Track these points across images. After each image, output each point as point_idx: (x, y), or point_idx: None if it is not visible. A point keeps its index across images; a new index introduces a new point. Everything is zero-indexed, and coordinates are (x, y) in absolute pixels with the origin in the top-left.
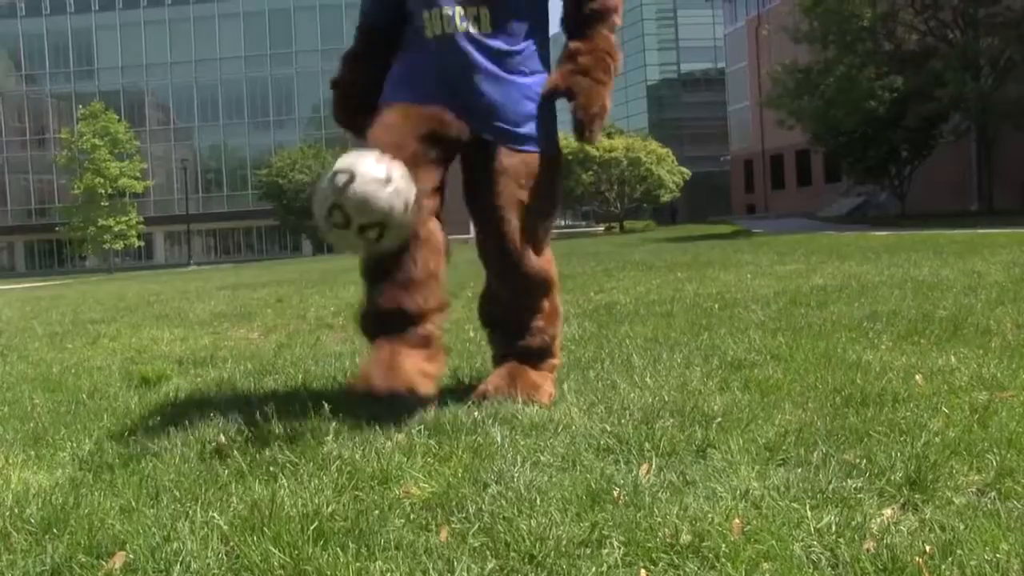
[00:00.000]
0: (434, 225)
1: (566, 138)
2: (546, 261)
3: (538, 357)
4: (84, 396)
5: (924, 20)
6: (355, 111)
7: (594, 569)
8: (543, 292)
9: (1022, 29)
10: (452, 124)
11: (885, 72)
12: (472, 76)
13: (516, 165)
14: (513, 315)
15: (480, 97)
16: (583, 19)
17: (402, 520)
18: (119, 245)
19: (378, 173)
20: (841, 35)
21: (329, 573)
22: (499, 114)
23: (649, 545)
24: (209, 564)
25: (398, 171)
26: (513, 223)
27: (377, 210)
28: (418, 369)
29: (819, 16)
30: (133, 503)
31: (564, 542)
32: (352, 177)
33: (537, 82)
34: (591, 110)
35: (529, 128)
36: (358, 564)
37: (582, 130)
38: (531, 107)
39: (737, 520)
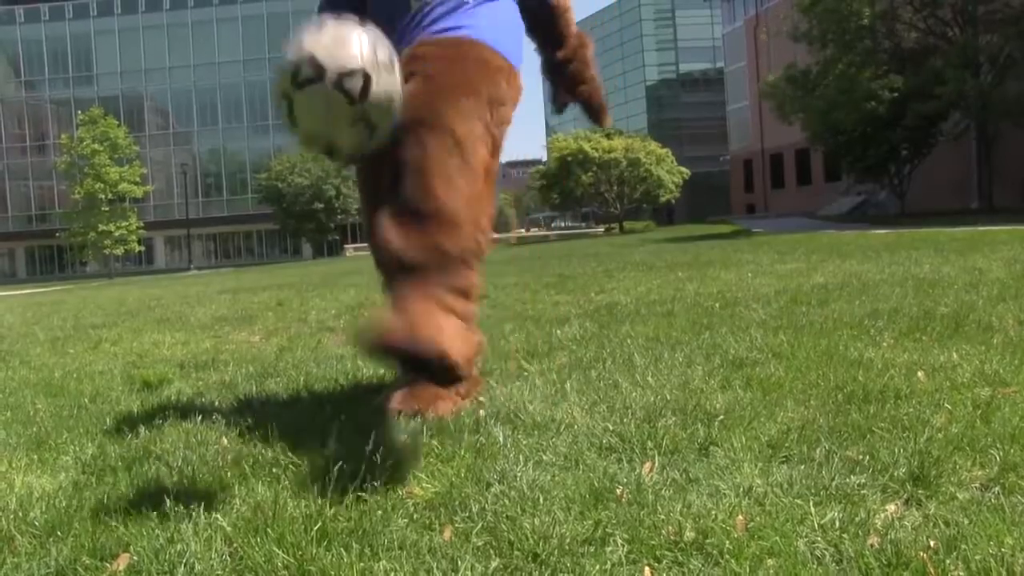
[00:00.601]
0: None
1: (564, 139)
2: (468, 204)
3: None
4: (86, 400)
5: (923, 18)
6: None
7: (598, 567)
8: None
9: (1021, 26)
10: None
11: (885, 71)
12: None
13: (430, 48)
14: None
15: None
16: (545, 19)
17: (405, 520)
18: (119, 250)
19: (384, 58)
20: (840, 34)
21: (333, 573)
22: (431, 15)
23: (653, 543)
24: (213, 565)
25: (385, 45)
26: (417, 113)
27: (397, 100)
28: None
29: (818, 15)
30: (136, 505)
31: (568, 540)
32: (367, 78)
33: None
34: (603, 105)
35: (462, 18)
36: (362, 564)
37: (601, 118)
38: (477, 9)
39: (740, 517)
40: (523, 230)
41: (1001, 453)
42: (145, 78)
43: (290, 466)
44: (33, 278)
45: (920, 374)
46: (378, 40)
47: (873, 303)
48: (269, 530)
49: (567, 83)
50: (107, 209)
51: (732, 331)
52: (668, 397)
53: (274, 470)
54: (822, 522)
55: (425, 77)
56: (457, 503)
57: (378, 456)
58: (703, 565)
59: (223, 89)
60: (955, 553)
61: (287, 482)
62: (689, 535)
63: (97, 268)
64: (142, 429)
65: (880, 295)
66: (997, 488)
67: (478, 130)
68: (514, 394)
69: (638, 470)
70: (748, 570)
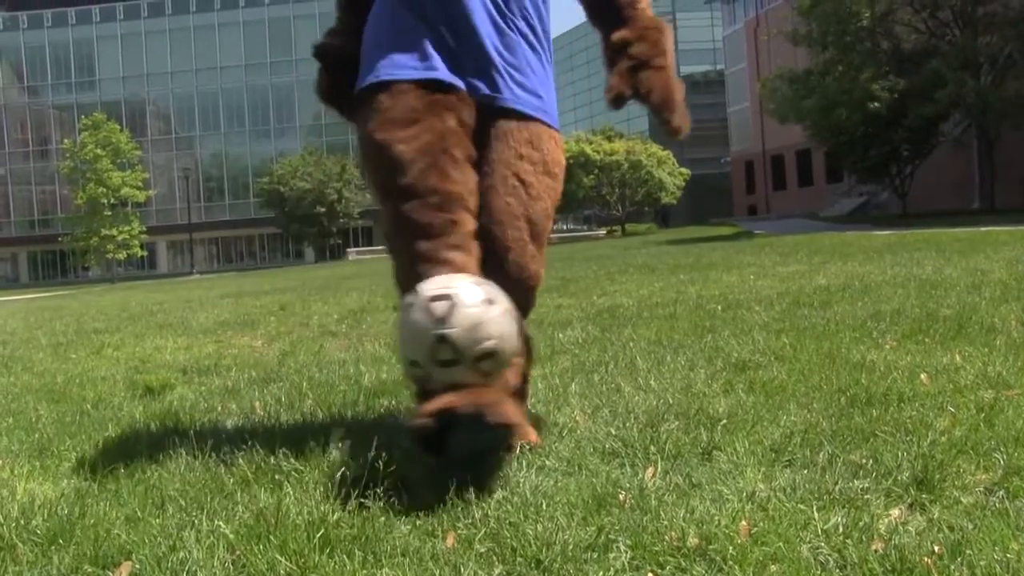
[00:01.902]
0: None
1: (565, 142)
2: (541, 269)
3: (518, 399)
4: (88, 406)
5: (923, 19)
6: (346, 85)
7: (601, 573)
8: (528, 308)
9: (1021, 27)
10: (466, 100)
11: (885, 72)
12: (469, 17)
13: (516, 130)
14: None
15: (477, 41)
16: (614, 3)
17: (408, 527)
18: (122, 255)
19: (480, 295)
20: (840, 36)
21: None
22: (499, 66)
23: (656, 548)
24: (215, 573)
25: (497, 290)
26: (507, 202)
27: (490, 336)
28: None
29: (817, 17)
30: (139, 513)
31: (571, 546)
32: (454, 303)
33: (539, 40)
34: (673, 103)
35: (533, 89)
36: (365, 571)
37: (670, 125)
38: (534, 66)
39: (744, 522)
40: None
41: (1005, 456)
42: (147, 83)
43: (293, 472)
44: (35, 283)
45: (923, 377)
46: (476, 284)
47: (875, 305)
48: (272, 537)
49: (628, 68)
50: (109, 214)
51: (734, 334)
52: (671, 401)
53: (276, 476)
54: (825, 527)
55: (523, 199)
56: (460, 509)
57: (381, 462)
58: (706, 571)
59: (225, 94)
60: (959, 558)
61: (290, 488)
62: (692, 541)
63: (99, 273)
64: (144, 435)
65: (882, 297)
66: (1001, 492)
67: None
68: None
69: (641, 475)
70: None
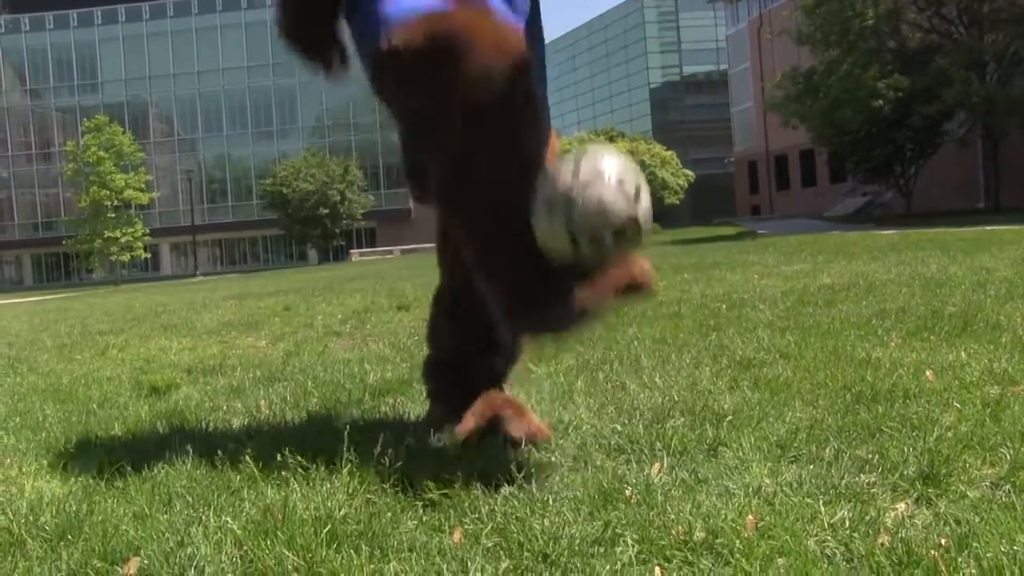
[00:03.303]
0: None
1: (568, 143)
2: None
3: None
4: (94, 406)
5: (928, 17)
6: (321, 22)
7: (608, 567)
8: None
9: None
10: None
11: (889, 71)
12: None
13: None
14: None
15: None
16: None
17: (415, 522)
18: (125, 257)
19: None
20: (844, 35)
21: (343, 575)
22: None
23: (663, 543)
24: (223, 568)
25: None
26: None
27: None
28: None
29: (821, 16)
30: (146, 509)
31: (577, 541)
32: (640, 188)
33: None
34: None
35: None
36: (372, 566)
37: None
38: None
39: (750, 516)
40: None
41: (1011, 451)
42: (149, 85)
43: (299, 469)
44: (40, 285)
45: (928, 373)
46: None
47: (880, 303)
48: (279, 532)
49: None
50: (113, 216)
51: (739, 332)
52: (676, 398)
53: (283, 473)
54: (832, 521)
55: None
56: (466, 504)
57: (387, 458)
58: (713, 564)
59: (227, 95)
60: (966, 551)
61: (296, 485)
62: (699, 535)
63: (103, 275)
64: (151, 434)
65: (887, 295)
66: (1008, 486)
67: None
68: (522, 396)
69: (647, 471)
70: (758, 569)
